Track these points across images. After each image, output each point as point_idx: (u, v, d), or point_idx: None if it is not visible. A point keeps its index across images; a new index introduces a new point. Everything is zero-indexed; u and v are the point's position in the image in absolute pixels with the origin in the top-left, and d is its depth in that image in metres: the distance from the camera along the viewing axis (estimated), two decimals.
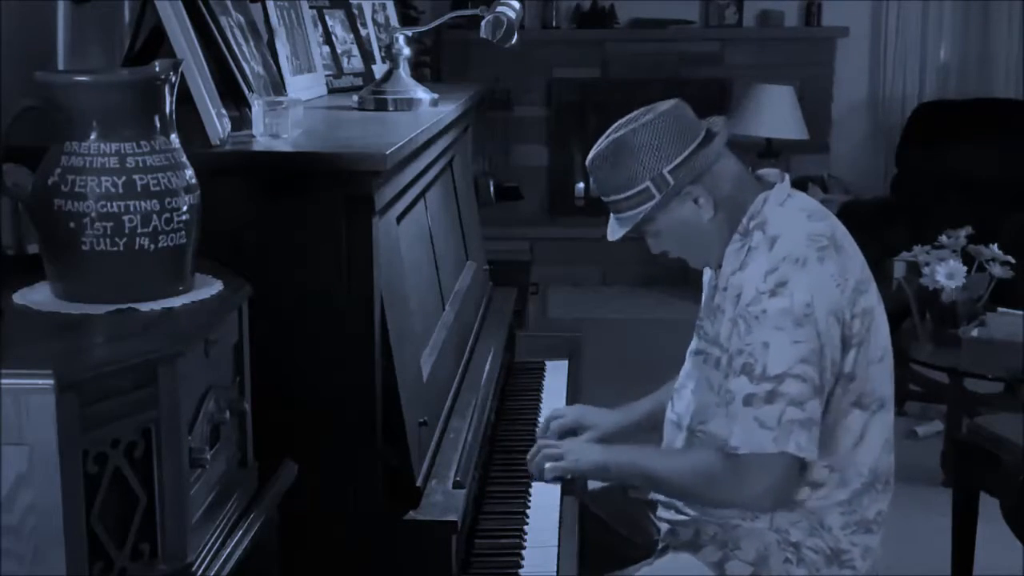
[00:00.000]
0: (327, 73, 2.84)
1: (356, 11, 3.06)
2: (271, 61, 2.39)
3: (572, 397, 2.84)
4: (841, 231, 2.21)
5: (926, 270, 4.15)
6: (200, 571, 1.45)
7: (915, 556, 3.64)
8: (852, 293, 2.12)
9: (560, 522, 2.21)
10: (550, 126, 7.33)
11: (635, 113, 2.20)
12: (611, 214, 2.25)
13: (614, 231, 2.25)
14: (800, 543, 2.20)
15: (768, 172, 2.29)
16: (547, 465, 2.26)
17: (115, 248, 1.51)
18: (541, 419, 2.66)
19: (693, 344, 2.34)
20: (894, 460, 2.27)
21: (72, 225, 1.50)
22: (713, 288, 2.27)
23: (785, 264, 2.10)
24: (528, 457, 2.32)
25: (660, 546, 2.34)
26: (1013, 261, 4.11)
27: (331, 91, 2.82)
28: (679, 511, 2.32)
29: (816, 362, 2.07)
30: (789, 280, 2.08)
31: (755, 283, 2.11)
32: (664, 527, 2.36)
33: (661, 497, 2.37)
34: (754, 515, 2.21)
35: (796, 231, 2.15)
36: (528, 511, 2.25)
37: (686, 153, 2.16)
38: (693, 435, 2.28)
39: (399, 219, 2.18)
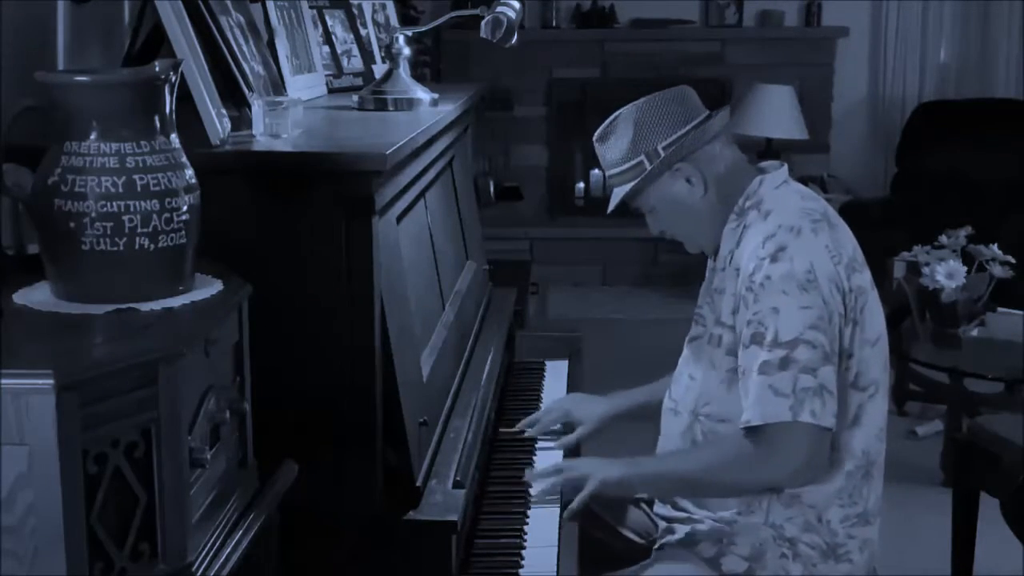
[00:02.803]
0: (327, 73, 2.84)
1: (356, 11, 3.06)
2: (271, 61, 2.39)
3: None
4: (833, 213, 2.25)
5: (926, 270, 4.15)
6: (200, 571, 1.45)
7: (915, 556, 3.64)
8: (845, 269, 2.14)
9: (560, 522, 2.21)
10: (550, 126, 7.33)
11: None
12: (612, 188, 2.34)
13: (611, 204, 2.35)
14: (796, 538, 2.20)
15: (769, 164, 2.35)
16: (575, 502, 2.20)
17: (115, 248, 1.51)
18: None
19: (691, 332, 2.35)
20: (885, 451, 2.26)
21: (72, 225, 1.50)
22: (712, 272, 2.31)
23: (781, 231, 2.14)
24: (535, 474, 2.29)
25: (657, 544, 2.34)
26: (1013, 261, 4.11)
27: (331, 91, 2.82)
28: (676, 507, 2.32)
29: (825, 328, 2.07)
30: (788, 246, 2.11)
31: (755, 252, 2.14)
32: (661, 525, 2.36)
33: None
34: (750, 510, 2.21)
35: (790, 206, 2.20)
36: (528, 511, 2.25)
37: (682, 132, 2.24)
38: (696, 419, 2.26)
39: (399, 219, 2.18)
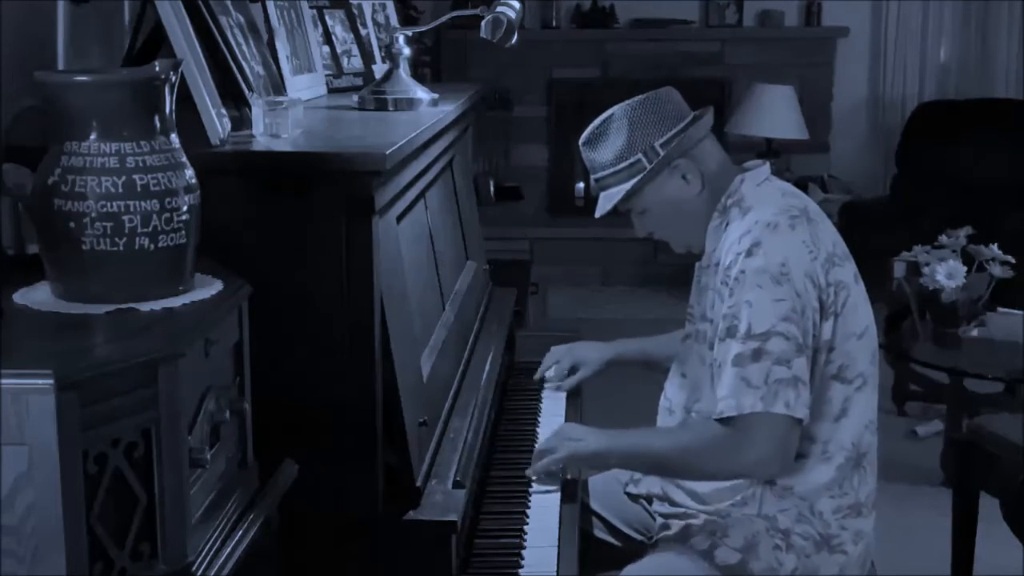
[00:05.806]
0: (327, 73, 2.84)
1: (356, 11, 3.06)
2: (271, 61, 2.39)
3: (571, 397, 2.83)
4: (815, 209, 2.27)
5: (926, 270, 4.15)
6: (200, 571, 1.45)
7: (915, 556, 3.64)
8: (824, 263, 2.16)
9: (560, 522, 2.21)
10: (550, 126, 7.33)
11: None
12: (600, 193, 2.33)
13: (602, 207, 2.33)
14: (789, 530, 2.21)
15: (751, 163, 2.37)
16: (544, 460, 2.27)
17: (115, 248, 1.51)
18: (542, 413, 2.71)
19: (684, 331, 2.37)
20: (877, 443, 2.28)
21: (72, 225, 1.50)
22: (699, 270, 2.34)
23: (757, 227, 2.16)
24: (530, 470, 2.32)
25: (654, 540, 2.36)
26: (1013, 261, 4.10)
27: (331, 91, 2.82)
28: (672, 503, 2.33)
29: (798, 321, 2.10)
30: (762, 242, 2.14)
31: (732, 248, 2.17)
32: (659, 521, 2.37)
33: (656, 490, 2.38)
34: (743, 501, 2.22)
35: (769, 203, 2.22)
36: (528, 511, 2.25)
37: (677, 128, 2.26)
38: (688, 416, 2.31)
39: (399, 219, 2.18)
